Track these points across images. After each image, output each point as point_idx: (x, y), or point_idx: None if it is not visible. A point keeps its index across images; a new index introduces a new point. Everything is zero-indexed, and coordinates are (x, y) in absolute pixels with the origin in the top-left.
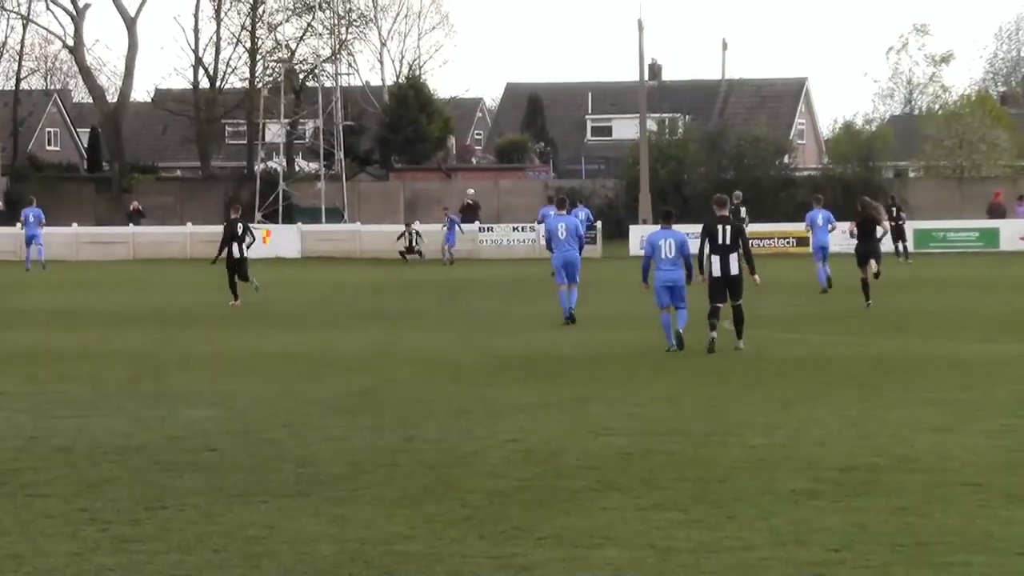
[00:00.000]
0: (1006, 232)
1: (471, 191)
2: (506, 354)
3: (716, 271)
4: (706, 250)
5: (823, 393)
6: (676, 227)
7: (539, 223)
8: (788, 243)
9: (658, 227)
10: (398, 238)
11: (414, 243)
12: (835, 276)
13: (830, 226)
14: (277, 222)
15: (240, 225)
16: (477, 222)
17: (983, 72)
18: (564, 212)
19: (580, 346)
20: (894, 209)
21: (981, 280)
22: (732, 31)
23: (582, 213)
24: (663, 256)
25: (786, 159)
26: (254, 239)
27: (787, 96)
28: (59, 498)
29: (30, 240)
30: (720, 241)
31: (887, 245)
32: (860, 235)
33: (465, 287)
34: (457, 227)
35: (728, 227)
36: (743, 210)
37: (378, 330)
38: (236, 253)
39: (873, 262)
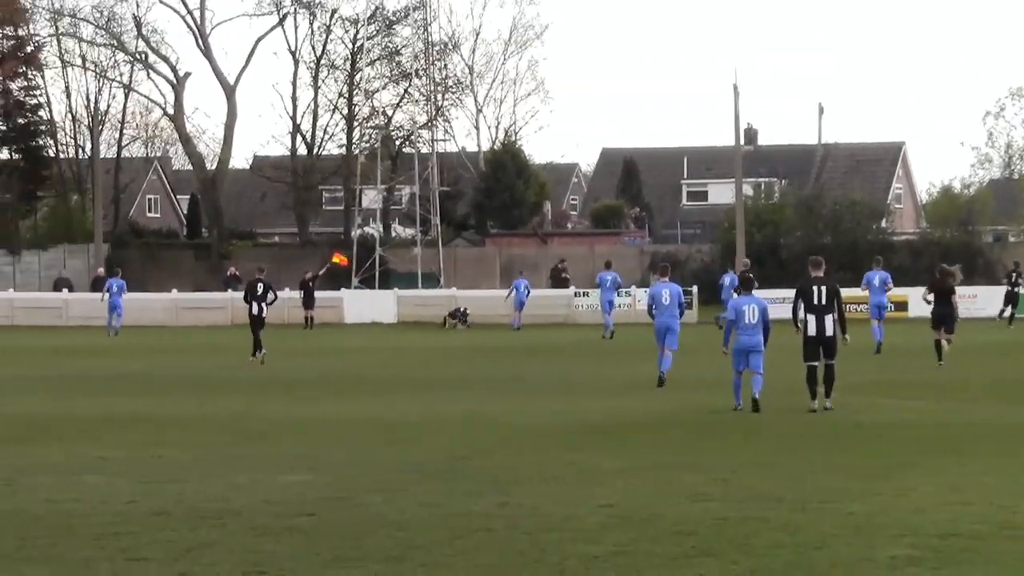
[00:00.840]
0: None
1: (564, 263)
2: (597, 419)
3: (811, 331)
4: (800, 311)
5: (919, 459)
6: (773, 289)
7: (597, 286)
8: (888, 309)
9: (739, 295)
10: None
11: (459, 309)
12: (910, 340)
13: (886, 287)
14: (374, 287)
15: (261, 284)
16: (572, 287)
17: None
18: (666, 279)
19: (672, 411)
20: (1015, 275)
21: None
22: (828, 95)
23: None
24: (746, 321)
25: (883, 223)
26: (276, 297)
27: (884, 160)
28: (158, 562)
29: (113, 308)
30: (815, 301)
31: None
32: (936, 300)
33: (558, 351)
34: (524, 291)
35: (824, 288)
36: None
37: (471, 395)
38: (255, 311)
39: (944, 332)
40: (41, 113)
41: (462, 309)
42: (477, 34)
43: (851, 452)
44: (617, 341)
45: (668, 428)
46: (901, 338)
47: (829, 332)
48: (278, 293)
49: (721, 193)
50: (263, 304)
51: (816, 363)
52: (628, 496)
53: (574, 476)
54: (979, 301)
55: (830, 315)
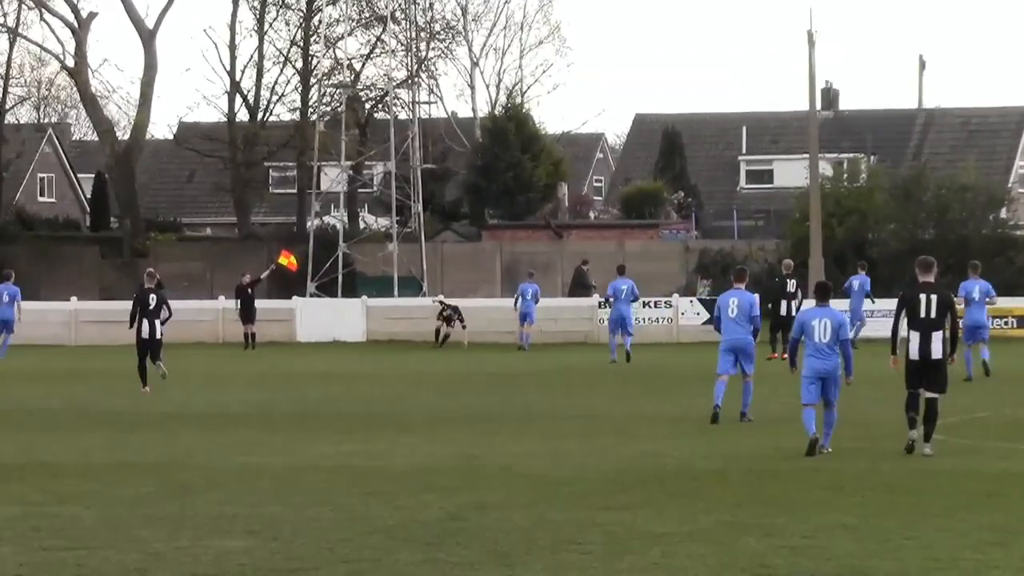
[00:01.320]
0: None
1: (587, 265)
2: (632, 468)
3: (914, 352)
4: (902, 327)
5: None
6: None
7: (609, 299)
8: (1006, 324)
9: (812, 304)
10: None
11: (451, 320)
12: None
13: (987, 299)
14: (336, 295)
15: (154, 296)
16: (595, 295)
17: None
18: (741, 286)
19: (730, 457)
20: None
21: None
22: (932, 47)
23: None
24: (816, 340)
25: (1003, 213)
26: (171, 314)
27: (1003, 131)
28: None
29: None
30: (923, 315)
31: None
32: None
33: (579, 379)
34: (532, 298)
35: (935, 296)
36: (791, 283)
37: (465, 436)
38: (146, 332)
39: None
40: None
41: (452, 306)
42: None
43: (963, 512)
44: (654, 366)
45: (723, 480)
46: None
47: (937, 355)
48: (219, 300)
49: (790, 172)
50: (156, 322)
51: (919, 390)
52: (670, 569)
53: (600, 543)
54: None
55: (939, 332)
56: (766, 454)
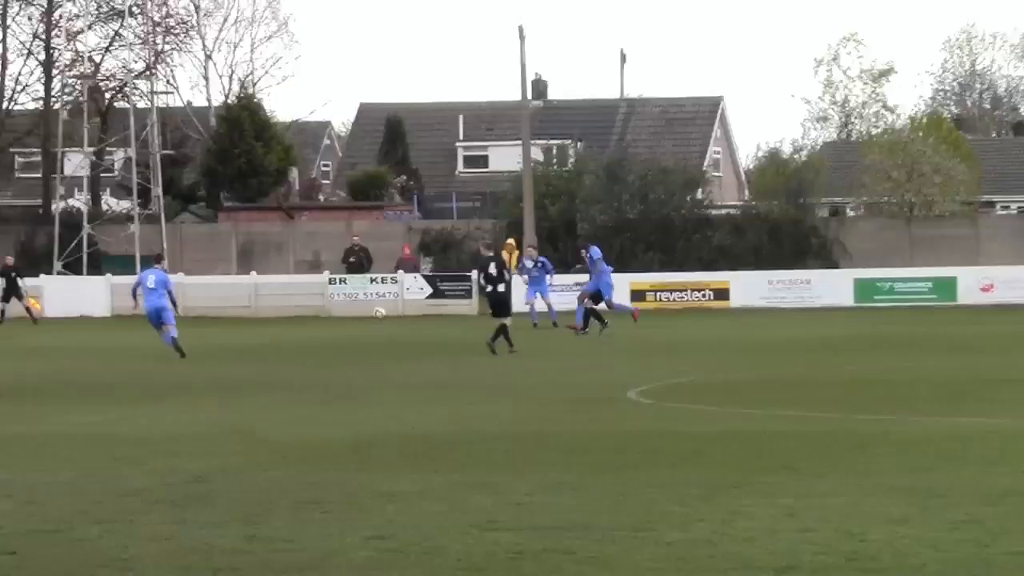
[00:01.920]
0: (964, 282)
1: (356, 239)
2: (370, 432)
3: None
4: None
5: (751, 477)
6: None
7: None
8: (703, 296)
9: None
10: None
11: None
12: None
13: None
14: (81, 272)
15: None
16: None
17: (931, 91)
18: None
19: (457, 421)
20: None
21: (938, 339)
22: (632, 42)
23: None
24: None
25: (699, 194)
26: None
27: (699, 118)
28: None
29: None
30: None
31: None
32: None
33: (321, 349)
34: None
35: None
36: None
37: (212, 405)
38: None
39: None
40: None
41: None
42: None
43: (671, 470)
44: (388, 337)
45: (452, 443)
46: (730, 330)
47: None
48: None
49: (505, 157)
50: None
51: None
52: (404, 526)
53: (340, 502)
54: (814, 287)
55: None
56: (489, 419)
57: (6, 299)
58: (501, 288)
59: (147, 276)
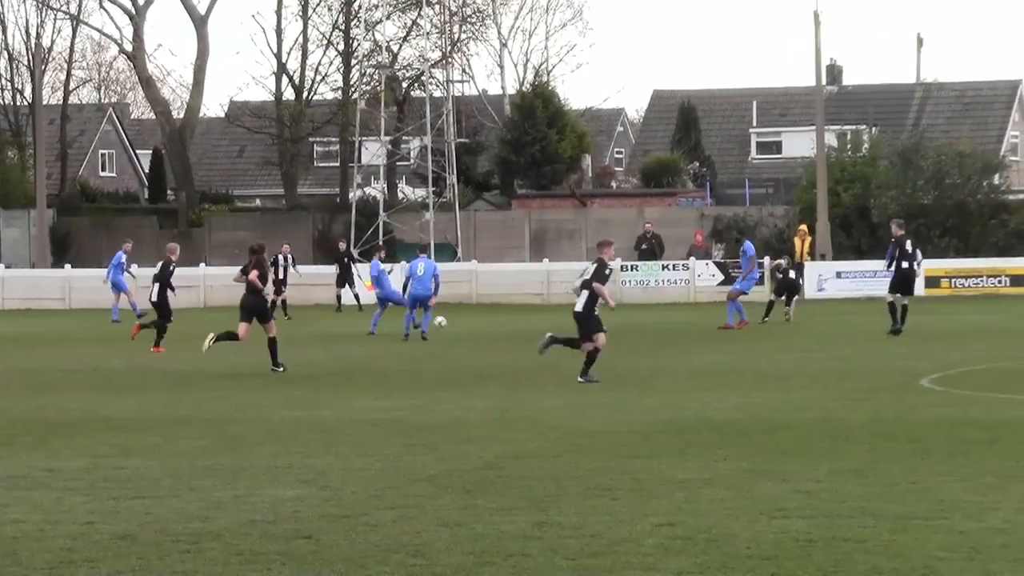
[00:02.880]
0: None
1: (649, 225)
2: (655, 419)
3: None
4: None
5: None
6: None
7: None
8: (999, 282)
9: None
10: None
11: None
12: None
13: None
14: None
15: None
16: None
17: None
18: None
19: (745, 409)
20: None
21: None
22: (928, 26)
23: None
24: None
25: (996, 179)
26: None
27: (996, 103)
28: None
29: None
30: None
31: None
32: None
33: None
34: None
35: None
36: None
37: (499, 391)
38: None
39: None
40: None
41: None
42: None
43: (964, 458)
44: (673, 323)
45: (740, 430)
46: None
47: None
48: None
49: (798, 143)
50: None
51: None
52: (693, 513)
53: (628, 489)
54: None
55: None
56: (778, 406)
57: (340, 284)
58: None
59: (416, 265)
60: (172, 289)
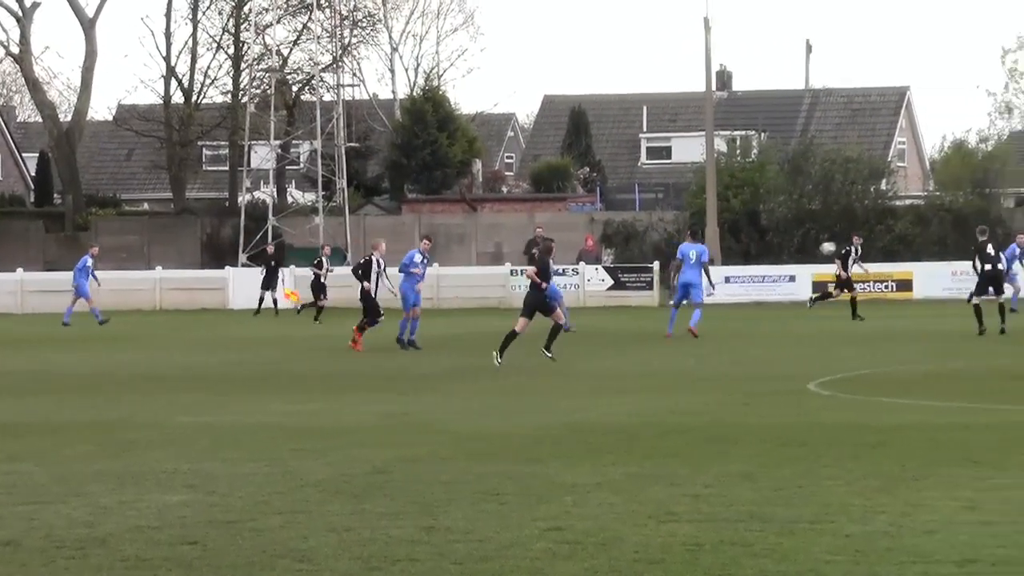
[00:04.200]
0: None
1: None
2: (547, 423)
3: None
4: None
5: (930, 470)
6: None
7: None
8: (885, 287)
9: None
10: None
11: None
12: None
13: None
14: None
15: None
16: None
17: None
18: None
19: (636, 414)
20: None
21: None
22: (818, 32)
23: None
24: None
25: (883, 184)
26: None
27: (884, 109)
28: None
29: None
30: None
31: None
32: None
33: (495, 343)
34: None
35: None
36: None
37: (392, 396)
38: None
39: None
40: None
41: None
42: None
43: (851, 462)
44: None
45: (630, 435)
46: (915, 321)
47: None
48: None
49: (688, 149)
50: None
51: None
52: (582, 517)
53: (517, 493)
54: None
55: None
56: (668, 411)
57: (264, 287)
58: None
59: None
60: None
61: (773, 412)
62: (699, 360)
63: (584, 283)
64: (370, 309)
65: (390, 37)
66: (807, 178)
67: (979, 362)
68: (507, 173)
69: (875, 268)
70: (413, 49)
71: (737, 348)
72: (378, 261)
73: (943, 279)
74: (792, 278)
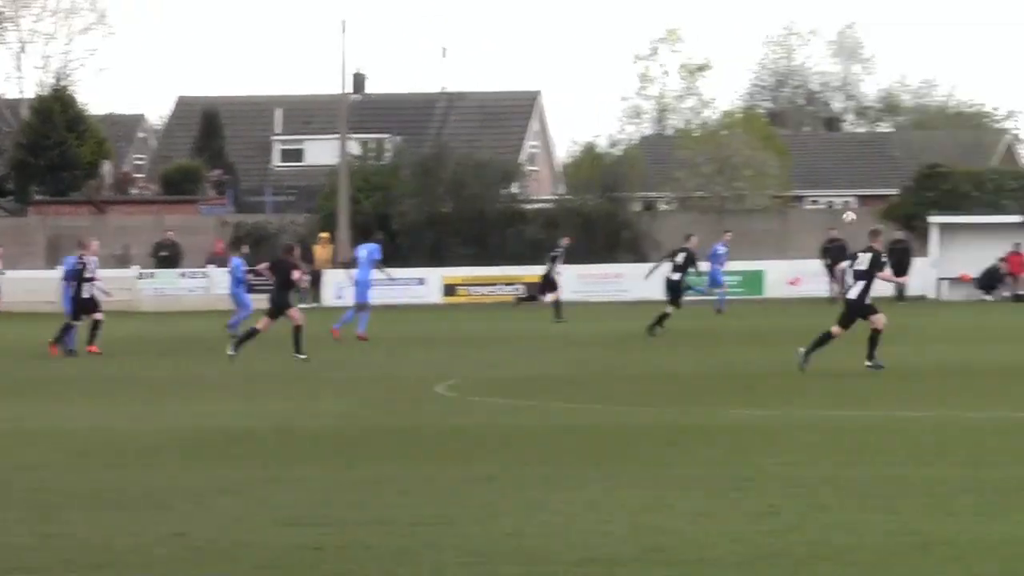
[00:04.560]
0: (772, 275)
1: (170, 233)
2: (173, 427)
3: None
4: None
5: (554, 470)
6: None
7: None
8: (515, 290)
9: None
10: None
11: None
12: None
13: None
14: None
15: None
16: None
17: (749, 86)
18: None
19: (264, 417)
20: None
21: (745, 332)
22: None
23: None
24: None
25: (514, 188)
26: None
27: (516, 113)
28: None
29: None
30: None
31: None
32: None
33: (126, 346)
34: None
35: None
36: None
37: (10, 402)
38: None
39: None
40: None
41: None
42: None
43: (475, 464)
44: (197, 333)
45: (261, 437)
46: (542, 326)
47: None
48: None
49: (321, 152)
50: None
51: None
52: (204, 523)
53: (139, 499)
54: (624, 281)
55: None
56: (296, 414)
57: None
58: None
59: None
60: None
61: (400, 414)
62: (329, 363)
63: (213, 286)
64: (78, 312)
65: (19, 34)
66: (439, 181)
67: (601, 364)
68: (137, 175)
69: (506, 272)
70: (42, 48)
71: (370, 351)
72: (88, 261)
73: (572, 282)
74: (421, 281)
